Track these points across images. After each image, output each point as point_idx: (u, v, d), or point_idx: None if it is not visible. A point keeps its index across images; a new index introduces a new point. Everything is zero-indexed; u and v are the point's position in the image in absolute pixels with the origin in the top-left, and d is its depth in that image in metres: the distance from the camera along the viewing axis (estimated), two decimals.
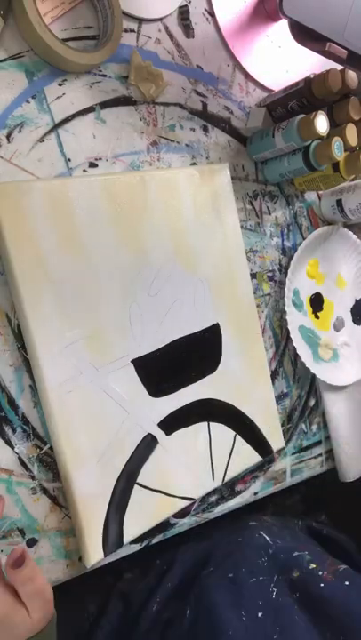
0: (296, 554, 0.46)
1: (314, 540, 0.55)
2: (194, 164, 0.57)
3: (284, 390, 0.65)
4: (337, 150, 0.55)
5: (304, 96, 0.56)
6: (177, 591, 0.50)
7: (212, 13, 0.57)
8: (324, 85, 0.54)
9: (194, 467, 0.54)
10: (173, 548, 0.56)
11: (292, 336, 0.63)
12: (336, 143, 0.55)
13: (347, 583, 0.41)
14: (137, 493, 0.49)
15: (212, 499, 0.58)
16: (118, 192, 0.48)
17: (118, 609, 0.53)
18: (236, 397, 0.57)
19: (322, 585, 0.42)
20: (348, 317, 0.72)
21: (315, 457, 0.68)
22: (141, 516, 0.50)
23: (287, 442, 0.65)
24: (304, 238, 0.66)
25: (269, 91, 0.62)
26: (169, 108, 0.54)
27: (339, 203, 0.65)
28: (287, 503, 0.75)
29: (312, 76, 0.55)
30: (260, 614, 0.41)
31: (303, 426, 0.67)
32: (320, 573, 0.43)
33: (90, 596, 0.56)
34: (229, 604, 0.43)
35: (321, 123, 0.54)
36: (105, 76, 0.50)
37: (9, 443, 0.44)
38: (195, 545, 0.56)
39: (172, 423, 0.52)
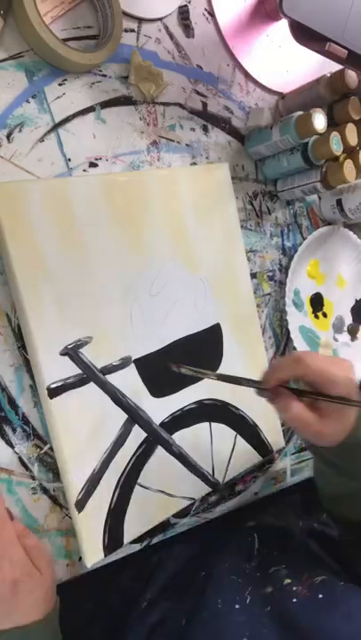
0: (273, 570, 0.45)
1: (310, 545, 0.55)
2: (194, 163, 0.57)
3: None
4: (335, 145, 0.56)
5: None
6: (166, 591, 0.50)
7: (212, 13, 0.57)
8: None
9: (195, 467, 0.54)
10: (168, 546, 0.56)
11: (292, 336, 0.63)
12: (334, 139, 0.55)
13: (320, 596, 0.40)
14: (138, 494, 0.49)
15: (213, 499, 0.58)
16: (118, 192, 0.48)
17: (115, 605, 0.53)
18: (237, 397, 0.57)
19: (294, 600, 0.41)
20: (348, 317, 0.72)
21: None
22: (142, 516, 0.50)
23: (287, 442, 0.65)
24: (304, 238, 0.66)
25: (269, 90, 0.62)
26: (169, 108, 0.54)
27: (339, 202, 0.65)
28: (287, 503, 0.75)
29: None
30: (236, 606, 0.41)
31: None
32: (294, 589, 0.42)
33: (88, 594, 0.56)
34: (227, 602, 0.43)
35: (318, 120, 0.54)
36: (105, 75, 0.50)
37: (9, 443, 0.44)
38: (187, 544, 0.56)
39: (173, 424, 0.52)
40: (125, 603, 0.51)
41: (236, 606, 0.41)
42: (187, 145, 0.56)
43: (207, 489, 0.55)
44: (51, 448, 0.46)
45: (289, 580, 0.43)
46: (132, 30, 0.51)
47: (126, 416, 0.49)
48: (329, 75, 0.58)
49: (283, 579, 0.43)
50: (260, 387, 0.41)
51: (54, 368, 0.44)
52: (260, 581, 0.44)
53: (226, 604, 0.42)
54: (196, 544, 0.55)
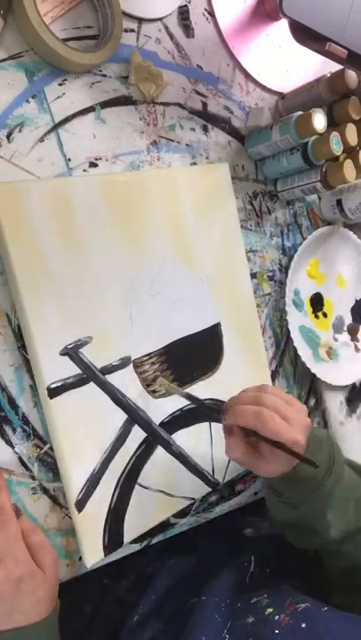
0: (254, 600, 0.45)
1: (306, 554, 0.54)
2: (194, 163, 0.57)
3: (285, 390, 0.65)
4: (335, 145, 0.56)
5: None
6: (158, 608, 0.50)
7: (212, 13, 0.57)
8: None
9: (195, 467, 0.54)
10: (166, 554, 0.56)
11: (292, 336, 0.63)
12: (334, 139, 0.56)
13: (303, 625, 0.40)
14: (138, 494, 0.49)
15: (213, 498, 0.58)
16: (118, 192, 0.48)
17: (111, 614, 0.53)
18: None
19: (276, 631, 0.40)
20: (348, 317, 0.72)
21: None
22: (142, 517, 0.50)
23: None
24: (304, 238, 0.66)
25: (269, 91, 0.62)
26: (169, 108, 0.54)
27: (339, 202, 0.65)
28: None
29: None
30: None
31: None
32: (276, 618, 0.42)
33: (87, 596, 0.56)
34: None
35: (318, 120, 0.54)
36: (105, 75, 0.50)
37: (9, 443, 0.44)
38: (183, 558, 0.56)
39: (173, 424, 0.52)
40: (119, 613, 0.51)
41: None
42: (187, 145, 0.56)
43: (207, 489, 0.55)
44: (51, 448, 0.46)
45: (271, 610, 0.43)
46: (132, 30, 0.51)
47: (126, 416, 0.49)
48: (329, 75, 0.58)
49: (265, 608, 0.43)
50: (218, 420, 0.45)
51: (54, 368, 0.44)
52: (241, 612, 0.44)
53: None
54: (193, 556, 0.55)
